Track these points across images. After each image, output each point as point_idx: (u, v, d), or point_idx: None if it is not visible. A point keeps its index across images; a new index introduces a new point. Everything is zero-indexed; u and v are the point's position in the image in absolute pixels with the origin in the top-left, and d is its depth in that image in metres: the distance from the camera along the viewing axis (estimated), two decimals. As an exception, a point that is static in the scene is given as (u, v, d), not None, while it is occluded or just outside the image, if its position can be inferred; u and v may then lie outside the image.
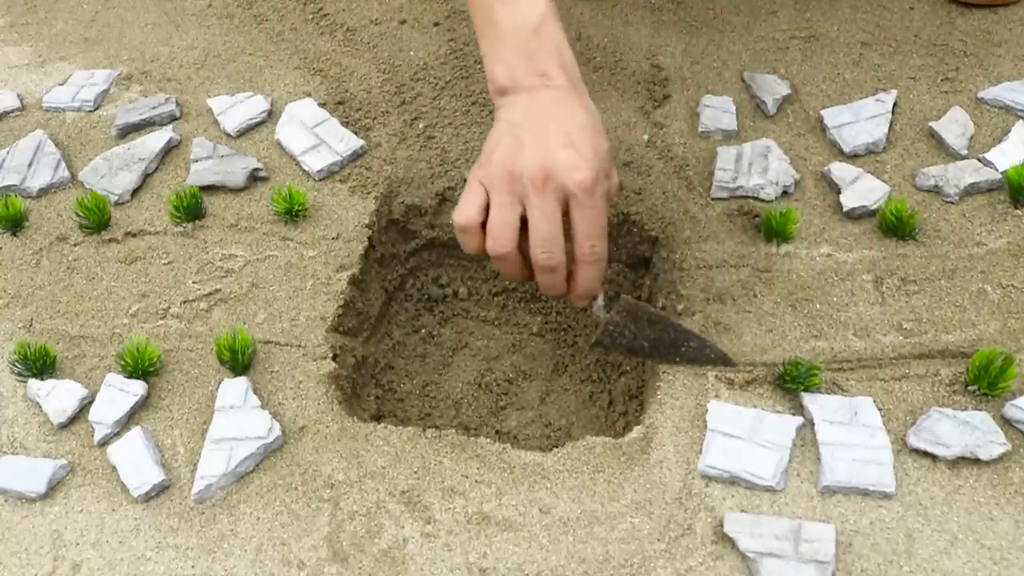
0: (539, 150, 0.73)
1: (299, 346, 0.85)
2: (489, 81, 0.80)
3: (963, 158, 0.95)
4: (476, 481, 0.74)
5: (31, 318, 0.89)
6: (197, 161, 1.01)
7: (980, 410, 0.75)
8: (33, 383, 0.82)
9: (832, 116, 1.00)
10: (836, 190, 0.93)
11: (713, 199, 0.94)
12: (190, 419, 0.80)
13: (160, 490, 0.75)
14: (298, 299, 0.89)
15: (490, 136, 0.78)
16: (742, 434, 0.74)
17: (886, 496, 0.70)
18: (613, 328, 0.80)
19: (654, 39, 1.14)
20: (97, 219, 0.95)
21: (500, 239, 0.75)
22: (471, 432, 0.91)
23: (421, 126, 1.05)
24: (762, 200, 0.93)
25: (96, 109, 1.12)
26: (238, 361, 0.82)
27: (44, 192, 1.01)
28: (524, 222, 0.75)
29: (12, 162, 1.03)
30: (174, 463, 0.77)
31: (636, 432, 0.77)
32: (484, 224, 0.75)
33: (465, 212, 0.76)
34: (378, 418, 0.90)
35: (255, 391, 0.80)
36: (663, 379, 0.80)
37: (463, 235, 0.77)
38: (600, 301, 0.82)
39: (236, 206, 0.98)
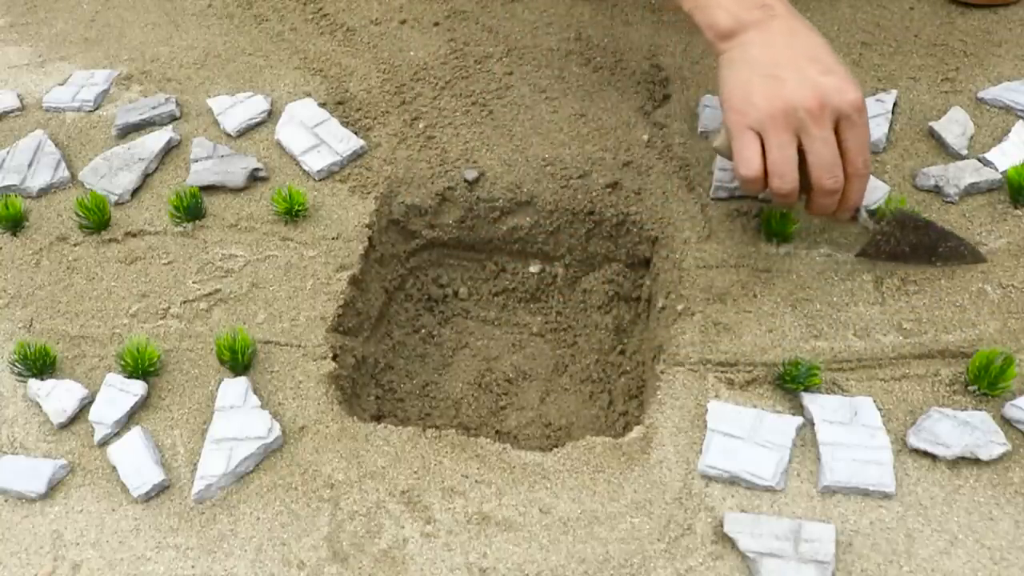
0: (804, 81, 0.75)
1: (299, 346, 0.85)
2: (706, 30, 0.82)
3: (963, 158, 0.95)
4: (476, 481, 0.74)
5: (31, 318, 0.89)
6: (197, 161, 1.01)
7: (980, 410, 0.75)
8: (33, 383, 0.82)
9: (832, 116, 0.99)
10: (836, 190, 0.93)
11: (713, 199, 0.94)
12: (190, 419, 0.80)
13: (160, 490, 0.75)
14: (298, 299, 0.89)
15: (731, 81, 0.79)
16: (742, 434, 0.74)
17: (886, 496, 0.70)
18: (881, 238, 0.85)
19: (654, 39, 1.14)
20: (97, 219, 0.95)
21: (788, 177, 0.77)
22: (471, 432, 0.91)
23: (421, 126, 1.05)
24: (762, 200, 0.93)
25: (96, 109, 1.12)
26: (238, 361, 0.82)
27: (44, 192, 1.01)
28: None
29: (12, 162, 1.03)
30: (174, 463, 0.77)
31: (636, 432, 0.77)
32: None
33: (751, 163, 0.77)
34: (378, 418, 0.90)
35: (255, 391, 0.80)
36: (663, 379, 0.80)
37: (752, 185, 0.79)
38: (864, 212, 0.84)
39: (236, 206, 0.98)
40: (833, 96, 0.75)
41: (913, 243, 0.85)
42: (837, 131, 0.76)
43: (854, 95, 0.75)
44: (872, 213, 0.85)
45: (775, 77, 0.76)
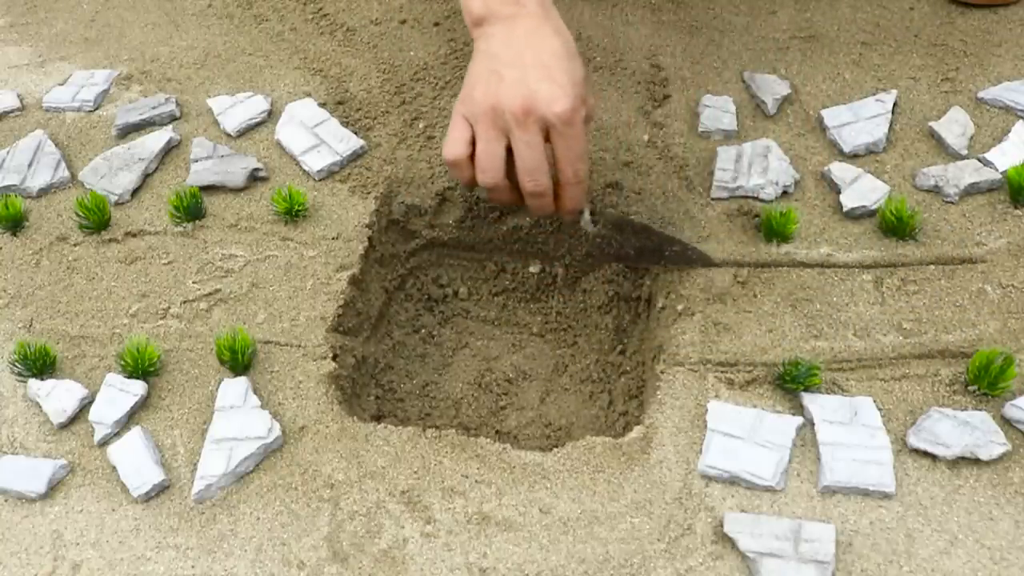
0: (518, 84, 0.77)
1: (299, 346, 0.85)
2: (465, 13, 0.84)
3: (963, 158, 0.95)
4: (476, 481, 0.74)
5: (31, 318, 0.89)
6: (197, 161, 1.01)
7: (980, 410, 0.75)
8: (33, 383, 0.82)
9: (832, 116, 1.00)
10: (836, 190, 0.93)
11: (713, 199, 0.94)
12: (190, 419, 0.80)
13: (160, 490, 0.75)
14: (298, 299, 0.89)
15: (470, 70, 0.82)
16: (742, 434, 0.74)
17: (886, 496, 0.70)
18: (601, 240, 0.87)
19: (654, 39, 1.14)
20: (97, 219, 0.95)
21: (489, 171, 0.80)
22: (471, 432, 0.91)
23: (421, 126, 1.05)
24: (762, 200, 0.93)
25: (96, 109, 1.12)
26: (238, 361, 0.82)
27: (44, 192, 1.01)
28: (510, 151, 0.79)
29: (12, 162, 1.03)
30: (174, 463, 0.77)
31: (636, 432, 0.77)
32: (472, 157, 0.81)
33: (453, 148, 0.81)
34: (378, 418, 0.90)
35: (255, 391, 0.80)
36: (663, 379, 0.80)
37: (454, 169, 0.82)
38: (587, 215, 0.87)
39: (236, 206, 0.98)
40: (540, 105, 0.76)
41: (638, 246, 0.87)
42: (548, 140, 0.78)
43: (563, 106, 0.75)
44: (594, 219, 0.87)
45: (497, 74, 0.78)
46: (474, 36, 0.83)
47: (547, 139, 0.78)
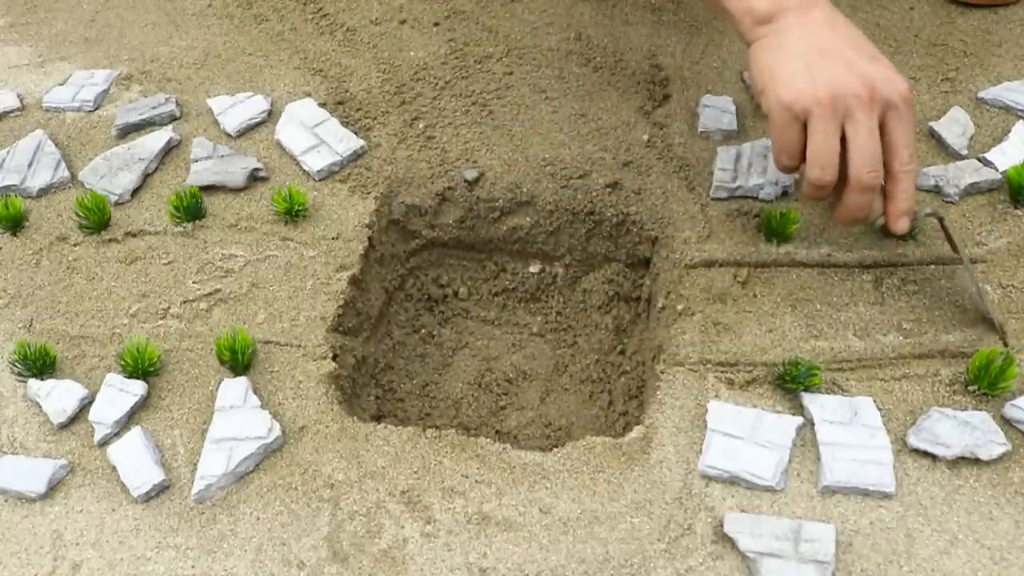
0: (852, 68, 0.73)
1: (299, 346, 0.85)
2: (744, 14, 0.78)
3: (963, 158, 0.95)
4: (476, 481, 0.74)
5: (31, 318, 0.89)
6: (197, 161, 1.01)
7: (980, 410, 0.75)
8: (33, 383, 0.82)
9: (832, 116, 1.00)
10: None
11: (713, 199, 0.94)
12: (190, 419, 0.80)
13: (160, 490, 0.75)
14: (298, 299, 0.89)
15: (773, 65, 0.76)
16: (742, 434, 0.74)
17: (886, 496, 0.70)
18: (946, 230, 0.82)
19: (654, 39, 1.14)
20: (97, 219, 0.95)
21: (828, 167, 0.74)
22: (471, 432, 0.91)
23: (421, 126, 1.05)
24: (762, 200, 0.93)
25: (96, 109, 1.12)
26: (238, 361, 0.82)
27: (44, 192, 1.01)
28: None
29: (12, 162, 1.03)
30: (174, 463, 0.77)
31: (636, 432, 0.77)
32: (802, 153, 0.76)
33: (791, 149, 0.75)
34: (378, 418, 0.90)
35: (255, 391, 0.80)
36: (663, 379, 0.80)
37: (788, 171, 0.77)
38: (921, 215, 0.81)
39: (236, 206, 0.98)
40: (882, 85, 0.73)
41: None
42: (883, 123, 0.74)
43: (903, 85, 0.73)
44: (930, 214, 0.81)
45: (819, 63, 0.73)
46: (757, 35, 0.78)
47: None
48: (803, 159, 0.75)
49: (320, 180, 1.00)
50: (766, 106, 0.76)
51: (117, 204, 0.99)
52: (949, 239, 0.82)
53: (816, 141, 0.74)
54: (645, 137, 1.02)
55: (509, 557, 0.69)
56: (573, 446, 0.76)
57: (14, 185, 1.01)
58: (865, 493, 0.71)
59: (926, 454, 0.72)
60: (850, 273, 0.86)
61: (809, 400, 0.76)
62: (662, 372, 0.81)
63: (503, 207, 1.00)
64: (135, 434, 0.77)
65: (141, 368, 0.81)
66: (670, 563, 0.68)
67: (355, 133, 1.04)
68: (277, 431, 0.77)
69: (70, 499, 0.75)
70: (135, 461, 0.75)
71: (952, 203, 0.91)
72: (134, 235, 0.96)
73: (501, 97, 1.07)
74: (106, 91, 1.13)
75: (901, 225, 0.77)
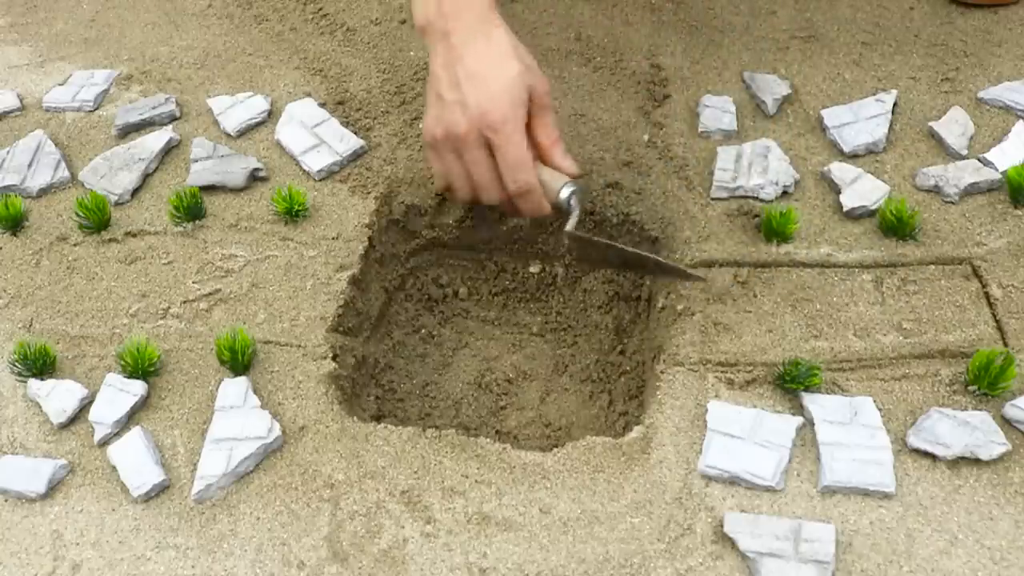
0: (456, 106, 0.79)
1: (299, 346, 0.85)
2: (414, 22, 0.86)
3: (963, 158, 0.95)
4: (476, 481, 0.74)
5: (31, 318, 0.89)
6: (197, 161, 1.01)
7: (980, 410, 0.75)
8: (33, 383, 0.82)
9: (832, 116, 1.00)
10: (836, 190, 0.93)
11: (713, 199, 0.94)
12: (190, 419, 0.80)
13: (160, 490, 0.75)
14: (298, 299, 0.89)
15: (427, 87, 0.85)
16: (742, 434, 0.74)
17: (886, 496, 0.70)
18: (574, 250, 0.89)
19: (654, 39, 1.14)
20: (97, 219, 0.95)
21: (462, 191, 0.85)
22: (471, 432, 0.91)
23: (421, 126, 1.05)
24: (762, 200, 0.93)
25: (96, 109, 1.12)
26: (238, 361, 0.82)
27: (44, 192, 1.01)
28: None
29: (12, 162, 1.03)
30: (174, 463, 0.77)
31: (636, 432, 0.77)
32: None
33: (440, 182, 0.87)
34: (378, 418, 0.90)
35: (255, 391, 0.80)
36: (663, 379, 0.80)
37: (448, 196, 0.86)
38: (572, 222, 0.84)
39: (236, 206, 0.98)
40: (475, 120, 0.79)
41: (614, 259, 0.88)
42: (490, 150, 0.81)
43: (492, 116, 0.78)
44: (580, 222, 0.85)
45: (440, 99, 0.81)
46: (426, 45, 0.85)
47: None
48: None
49: (320, 180, 1.00)
50: None
51: (117, 204, 0.99)
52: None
53: (445, 170, 0.85)
54: (645, 137, 1.02)
55: (509, 557, 0.69)
56: (573, 446, 0.76)
57: (14, 185, 1.01)
58: (865, 493, 0.71)
59: (926, 454, 0.72)
60: (850, 273, 0.86)
61: (809, 400, 0.76)
62: (662, 372, 0.81)
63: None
64: (135, 434, 0.77)
65: (141, 368, 0.81)
66: (670, 563, 0.68)
67: (355, 133, 1.04)
68: (277, 431, 0.77)
69: (70, 499, 0.75)
70: (135, 461, 0.75)
71: (952, 203, 0.91)
72: (134, 235, 0.96)
73: (501, 97, 1.07)
74: (106, 91, 1.13)
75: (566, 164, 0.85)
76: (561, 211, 0.85)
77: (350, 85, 1.11)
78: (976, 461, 0.72)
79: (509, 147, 0.79)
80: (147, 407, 0.81)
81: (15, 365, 0.83)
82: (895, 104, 1.01)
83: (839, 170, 0.94)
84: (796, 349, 0.81)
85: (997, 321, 0.81)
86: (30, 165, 1.03)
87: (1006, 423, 0.74)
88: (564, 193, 0.84)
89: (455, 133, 0.80)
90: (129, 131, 1.07)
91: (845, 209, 0.90)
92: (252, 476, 0.76)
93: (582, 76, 1.10)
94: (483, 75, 0.79)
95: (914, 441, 0.73)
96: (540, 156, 0.84)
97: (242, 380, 0.81)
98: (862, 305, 0.84)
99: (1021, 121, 0.97)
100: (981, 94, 1.01)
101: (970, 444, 0.71)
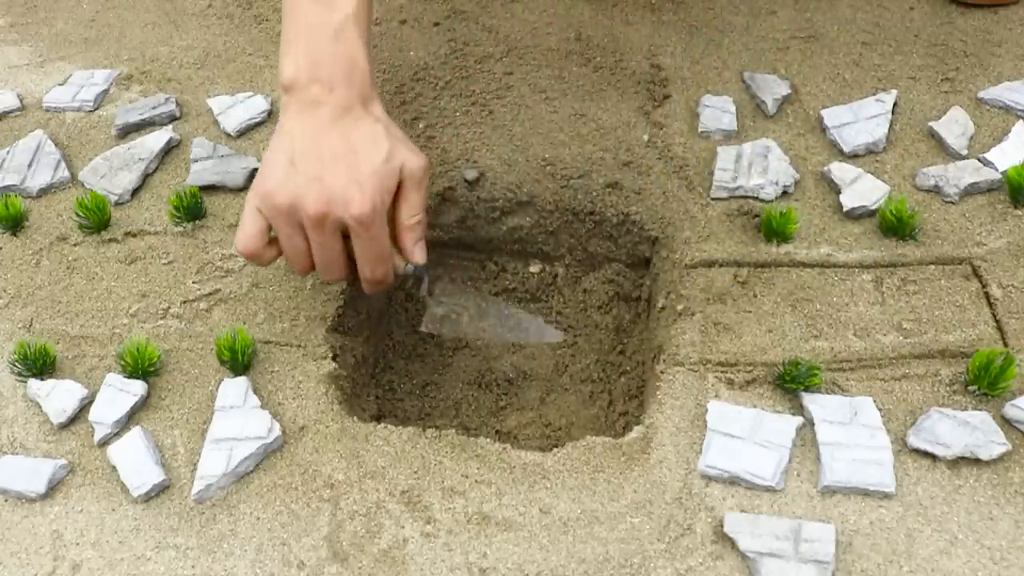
0: (314, 183, 0.72)
1: (299, 346, 0.85)
2: (279, 75, 0.77)
3: (963, 158, 0.95)
4: (476, 481, 0.74)
5: (31, 318, 0.89)
6: (197, 161, 1.01)
7: (980, 410, 0.75)
8: (33, 383, 0.82)
9: (832, 116, 1.00)
10: (836, 190, 0.93)
11: (713, 199, 0.94)
12: (190, 419, 0.80)
13: (160, 490, 0.75)
14: (298, 299, 0.89)
15: (270, 148, 0.76)
16: (742, 434, 0.74)
17: (886, 496, 0.70)
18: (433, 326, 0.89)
19: (654, 39, 1.14)
20: (97, 219, 0.95)
21: (298, 264, 0.78)
22: (471, 432, 0.91)
23: (421, 126, 1.05)
24: (762, 200, 0.93)
25: (96, 109, 1.12)
26: (238, 361, 0.82)
27: (44, 192, 1.01)
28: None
29: (12, 162, 1.03)
30: (174, 463, 0.77)
31: (636, 432, 0.77)
32: (268, 245, 0.77)
33: (248, 242, 0.76)
34: (378, 418, 0.90)
35: (255, 391, 0.80)
36: (663, 379, 0.80)
37: (249, 260, 0.78)
38: (424, 288, 0.84)
39: (236, 206, 0.98)
40: (336, 207, 0.72)
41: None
42: (349, 238, 0.75)
43: (359, 209, 0.72)
44: (430, 286, 0.83)
45: (294, 167, 0.73)
46: (283, 102, 0.77)
47: (347, 235, 0.75)
48: (266, 252, 0.78)
49: (320, 180, 1.00)
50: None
51: (117, 204, 0.99)
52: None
53: (282, 243, 0.76)
54: (645, 137, 1.02)
55: (509, 557, 0.69)
56: (573, 446, 0.76)
57: (14, 185, 1.01)
58: (865, 493, 0.71)
59: (926, 454, 0.72)
60: (850, 273, 0.86)
61: (809, 400, 0.76)
62: (662, 372, 0.81)
63: (503, 207, 1.00)
64: (135, 434, 0.77)
65: (141, 368, 0.81)
66: (670, 563, 0.68)
67: (355, 133, 1.04)
68: (277, 431, 0.77)
69: (70, 499, 0.75)
70: (135, 461, 0.75)
71: (952, 203, 0.91)
72: (134, 235, 0.96)
73: (501, 97, 1.07)
74: (106, 91, 1.13)
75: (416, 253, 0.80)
76: (408, 282, 0.82)
77: (350, 85, 1.11)
78: (976, 461, 0.72)
79: (370, 240, 0.74)
80: (147, 407, 0.81)
81: (15, 365, 0.83)
82: (895, 104, 1.01)
83: (839, 170, 0.94)
84: (796, 349, 0.81)
85: (997, 321, 0.81)
86: (30, 165, 1.03)
87: (1006, 423, 0.74)
88: (411, 268, 0.81)
89: (307, 212, 0.72)
90: (129, 131, 1.07)
91: (845, 209, 0.90)
92: (252, 476, 0.76)
93: (582, 76, 1.10)
94: (350, 157, 0.72)
95: (914, 441, 0.73)
96: (393, 233, 0.78)
97: (242, 380, 0.81)
98: (862, 305, 0.84)
99: (1021, 121, 0.97)
100: (981, 94, 1.01)
101: (970, 444, 0.71)
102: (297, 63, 0.76)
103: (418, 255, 0.79)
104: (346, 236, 0.75)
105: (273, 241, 0.77)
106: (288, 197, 0.73)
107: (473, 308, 0.83)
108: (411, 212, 0.77)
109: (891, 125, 0.99)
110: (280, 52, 0.79)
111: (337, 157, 0.73)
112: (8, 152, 1.05)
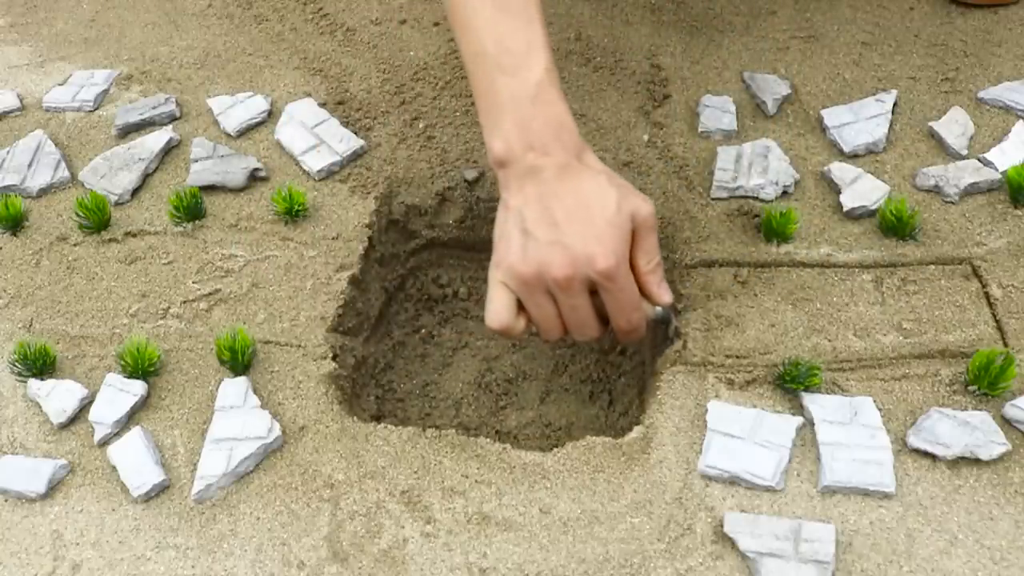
0: (555, 247, 0.72)
1: (299, 346, 0.85)
2: (488, 153, 0.77)
3: (963, 158, 0.95)
4: (476, 481, 0.74)
5: (31, 318, 0.89)
6: (197, 161, 1.01)
7: (980, 410, 0.75)
8: (33, 383, 0.82)
9: (832, 116, 1.00)
10: (836, 190, 0.93)
11: (713, 199, 0.94)
12: (190, 419, 0.80)
13: (160, 490, 0.75)
14: (298, 299, 0.89)
15: (499, 224, 0.76)
16: (742, 434, 0.74)
17: (886, 496, 0.70)
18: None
19: (654, 39, 1.14)
20: (97, 219, 0.95)
21: (551, 332, 0.76)
22: (471, 432, 0.91)
23: (421, 126, 1.05)
24: (762, 200, 0.93)
25: (96, 109, 1.12)
26: (238, 361, 0.82)
27: (44, 192, 1.01)
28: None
29: (12, 162, 1.03)
30: (174, 463, 0.77)
31: (636, 432, 0.77)
32: (519, 317, 0.77)
33: (501, 317, 0.76)
34: (378, 418, 0.90)
35: (255, 391, 0.80)
36: (663, 379, 0.80)
37: (504, 336, 0.78)
38: (673, 326, 0.83)
39: (236, 206, 0.98)
40: (581, 266, 0.71)
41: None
42: (596, 294, 0.74)
43: (604, 264, 0.71)
44: (677, 326, 0.83)
45: (530, 237, 0.73)
46: (500, 179, 0.77)
47: (594, 291, 0.74)
48: (513, 322, 0.77)
49: (320, 180, 1.00)
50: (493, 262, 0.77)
51: (117, 204, 0.99)
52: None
53: (533, 313, 0.76)
54: (645, 137, 1.02)
55: (509, 557, 0.69)
56: (573, 446, 0.76)
57: (14, 185, 1.01)
58: (865, 493, 0.71)
59: (926, 454, 0.72)
60: (850, 273, 0.86)
61: (809, 400, 0.76)
62: (662, 372, 0.81)
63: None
64: (135, 434, 0.77)
65: (141, 368, 0.81)
66: (670, 563, 0.68)
67: (355, 133, 1.04)
68: (277, 431, 0.77)
69: (70, 499, 0.75)
70: (135, 461, 0.75)
71: (952, 203, 0.91)
72: (134, 235, 0.96)
73: (501, 97, 1.07)
74: (106, 91, 1.14)
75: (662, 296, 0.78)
76: (656, 326, 0.82)
77: (350, 85, 1.11)
78: (976, 461, 0.72)
79: (620, 292, 0.73)
80: (147, 407, 0.81)
81: (15, 365, 0.83)
82: (895, 104, 1.01)
83: (839, 170, 0.94)
84: (796, 349, 0.81)
85: (997, 321, 0.81)
86: (30, 165, 1.03)
87: (1006, 423, 0.74)
88: (659, 311, 0.80)
89: (554, 276, 0.72)
90: (129, 131, 1.07)
91: (845, 209, 0.90)
92: (252, 476, 0.76)
93: (582, 76, 1.10)
94: (583, 212, 0.72)
95: (914, 441, 0.73)
96: (635, 280, 0.76)
97: (242, 380, 0.81)
98: (862, 305, 0.84)
99: (1021, 121, 0.97)
100: (981, 94, 1.01)
101: (970, 444, 0.71)
102: (507, 137, 0.75)
103: (665, 297, 0.78)
104: (592, 292, 0.75)
105: (520, 311, 0.77)
106: (532, 266, 0.73)
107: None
108: (648, 257, 0.76)
109: (891, 125, 0.99)
110: (485, 131, 0.78)
111: (570, 216, 0.72)
112: (8, 152, 1.05)
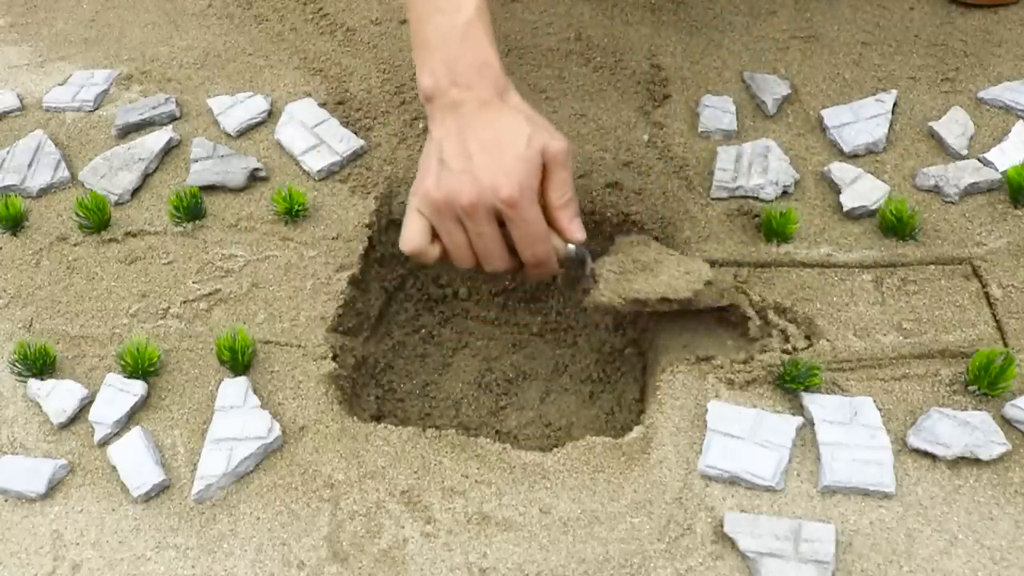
0: (462, 174, 0.75)
1: (299, 346, 0.85)
2: (418, 87, 0.82)
3: (963, 158, 0.95)
4: (476, 481, 0.74)
5: (31, 318, 0.89)
6: (197, 161, 1.01)
7: (980, 410, 0.75)
8: (33, 383, 0.82)
9: (832, 116, 1.00)
10: (836, 190, 0.93)
11: (713, 199, 0.94)
12: (190, 419, 0.80)
13: (160, 490, 0.75)
14: (298, 299, 0.89)
15: (423, 155, 0.81)
16: (742, 434, 0.74)
17: (886, 496, 0.70)
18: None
19: (654, 39, 1.14)
20: (97, 219, 0.95)
21: (462, 260, 0.80)
22: (471, 432, 0.91)
23: (421, 126, 1.05)
24: (762, 200, 0.93)
25: (96, 109, 1.12)
26: (238, 361, 0.82)
27: (44, 192, 1.01)
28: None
29: (12, 162, 1.03)
30: (174, 463, 0.77)
31: (636, 432, 0.77)
32: (431, 244, 0.79)
33: (412, 242, 0.79)
34: (378, 418, 0.90)
35: (255, 391, 0.80)
36: (663, 379, 0.80)
37: (416, 258, 0.81)
38: (588, 268, 0.82)
39: (236, 206, 0.98)
40: (486, 194, 0.74)
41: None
42: (503, 223, 0.77)
43: (507, 192, 0.74)
44: (595, 273, 0.82)
45: (443, 164, 0.77)
46: (427, 113, 0.81)
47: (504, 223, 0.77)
48: (425, 248, 0.79)
49: (320, 180, 1.00)
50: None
51: (117, 204, 0.99)
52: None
53: (444, 239, 0.79)
54: (645, 137, 1.02)
55: (509, 557, 0.69)
56: (573, 446, 0.76)
57: (14, 185, 1.01)
58: (865, 493, 0.71)
59: (926, 454, 0.72)
60: (850, 273, 0.86)
61: (809, 400, 0.76)
62: (662, 372, 0.81)
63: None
64: (135, 434, 0.77)
65: (141, 368, 0.81)
66: (670, 563, 0.68)
67: (355, 133, 1.04)
68: (277, 431, 0.77)
69: (70, 499, 0.75)
70: (135, 461, 0.76)
71: (952, 203, 0.91)
72: (134, 235, 0.96)
73: (501, 97, 1.07)
74: (106, 91, 1.14)
75: (574, 230, 0.80)
76: (570, 265, 0.82)
77: (350, 85, 1.11)
78: (976, 461, 0.72)
79: (524, 222, 0.76)
80: (147, 407, 0.81)
81: (15, 365, 0.83)
82: (895, 104, 1.01)
83: (839, 170, 0.94)
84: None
85: (997, 321, 0.81)
86: (30, 165, 1.03)
87: (1006, 423, 0.74)
88: (572, 249, 0.81)
89: (461, 203, 0.75)
90: (129, 131, 1.07)
91: (845, 209, 0.90)
92: (252, 476, 0.76)
93: (582, 76, 1.10)
94: (494, 146, 0.76)
95: (914, 441, 0.73)
96: (547, 216, 0.79)
97: (242, 380, 0.81)
98: (862, 305, 0.84)
99: (1021, 121, 0.97)
100: (981, 94, 1.01)
101: (970, 444, 0.71)
102: (434, 72, 0.80)
103: (576, 231, 0.80)
104: (502, 224, 0.78)
105: (435, 239, 0.80)
106: (443, 193, 0.76)
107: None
108: (560, 192, 0.79)
109: (891, 125, 0.99)
110: (416, 67, 0.82)
111: (483, 149, 0.76)
112: (8, 152, 1.05)
